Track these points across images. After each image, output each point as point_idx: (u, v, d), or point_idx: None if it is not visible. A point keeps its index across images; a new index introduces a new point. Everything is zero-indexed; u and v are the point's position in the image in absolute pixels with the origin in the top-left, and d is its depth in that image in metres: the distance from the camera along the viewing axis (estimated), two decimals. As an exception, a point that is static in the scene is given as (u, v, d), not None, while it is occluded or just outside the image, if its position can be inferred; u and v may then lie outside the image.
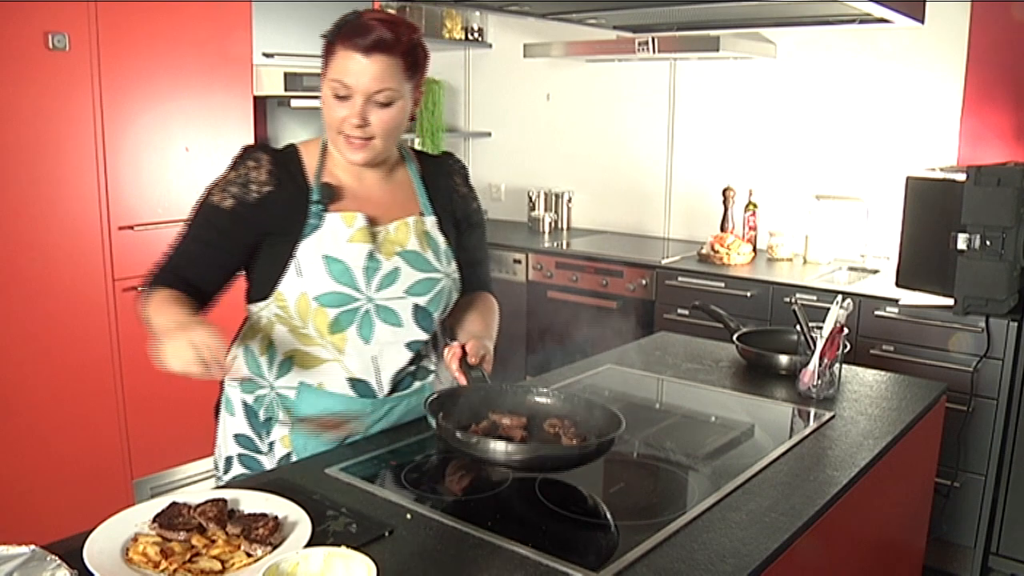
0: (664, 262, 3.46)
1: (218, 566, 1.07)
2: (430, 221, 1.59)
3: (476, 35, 4.56)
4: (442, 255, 1.58)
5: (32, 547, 1.05)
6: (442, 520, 1.25)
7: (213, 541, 1.13)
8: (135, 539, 1.12)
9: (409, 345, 1.55)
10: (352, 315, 1.49)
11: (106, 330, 2.86)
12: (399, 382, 1.58)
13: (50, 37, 2.63)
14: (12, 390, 2.66)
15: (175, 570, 1.06)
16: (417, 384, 1.62)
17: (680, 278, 3.36)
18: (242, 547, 1.11)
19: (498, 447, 1.29)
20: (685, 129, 3.99)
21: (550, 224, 4.27)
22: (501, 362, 1.56)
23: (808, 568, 1.36)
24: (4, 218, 2.61)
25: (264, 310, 1.51)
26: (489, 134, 4.71)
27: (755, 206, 3.64)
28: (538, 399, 1.51)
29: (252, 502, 1.23)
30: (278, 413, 1.55)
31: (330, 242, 1.47)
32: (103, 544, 1.11)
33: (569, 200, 4.35)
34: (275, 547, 1.11)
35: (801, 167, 3.64)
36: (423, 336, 1.57)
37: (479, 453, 1.31)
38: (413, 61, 1.45)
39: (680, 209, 4.06)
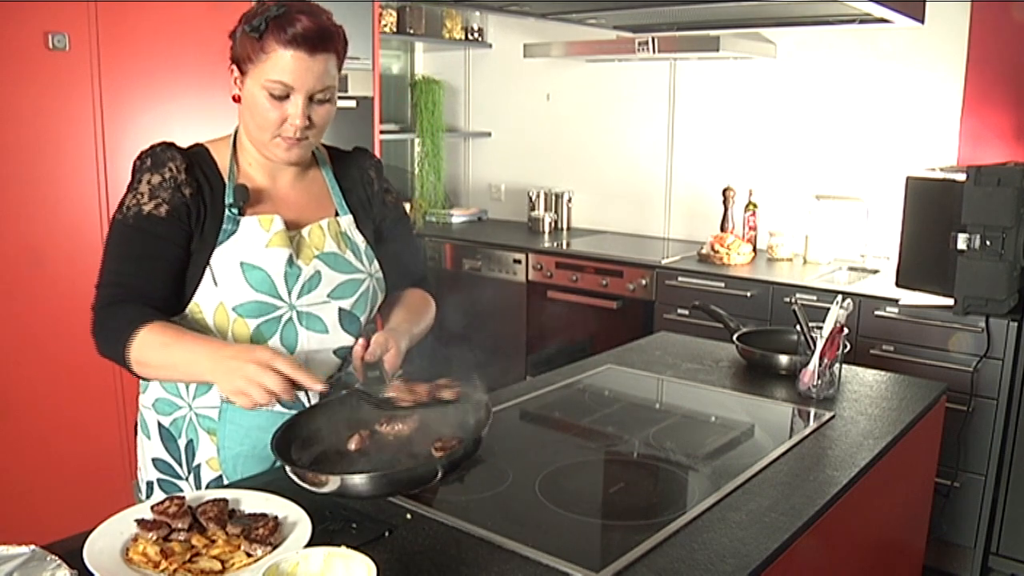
0: (664, 262, 3.46)
1: (218, 566, 1.07)
2: (346, 221, 1.51)
3: (476, 35, 4.56)
4: (362, 255, 1.51)
5: (32, 547, 1.05)
6: (442, 520, 1.25)
7: (213, 541, 1.12)
8: (135, 539, 1.12)
9: (336, 352, 1.47)
10: (274, 325, 1.40)
11: (106, 330, 2.86)
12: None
13: (50, 37, 2.63)
14: (12, 390, 2.66)
15: (175, 570, 1.06)
16: (344, 392, 1.47)
17: (680, 278, 3.36)
18: (242, 547, 1.11)
19: (340, 482, 1.18)
20: (685, 129, 3.99)
21: (550, 224, 4.27)
22: (502, 362, 1.54)
23: (808, 568, 1.36)
24: (4, 218, 2.60)
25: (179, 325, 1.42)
26: (489, 134, 4.71)
27: (755, 206, 3.64)
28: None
29: (252, 502, 1.23)
30: (199, 435, 1.45)
31: (247, 248, 1.38)
32: (103, 544, 1.11)
33: (569, 200, 4.35)
34: (275, 547, 1.11)
35: (801, 167, 3.64)
36: (350, 341, 1.47)
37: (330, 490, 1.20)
38: (345, 51, 1.39)
39: (680, 209, 4.07)
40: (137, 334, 1.29)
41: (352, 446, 1.33)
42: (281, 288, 1.40)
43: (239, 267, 1.37)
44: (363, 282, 1.50)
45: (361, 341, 1.41)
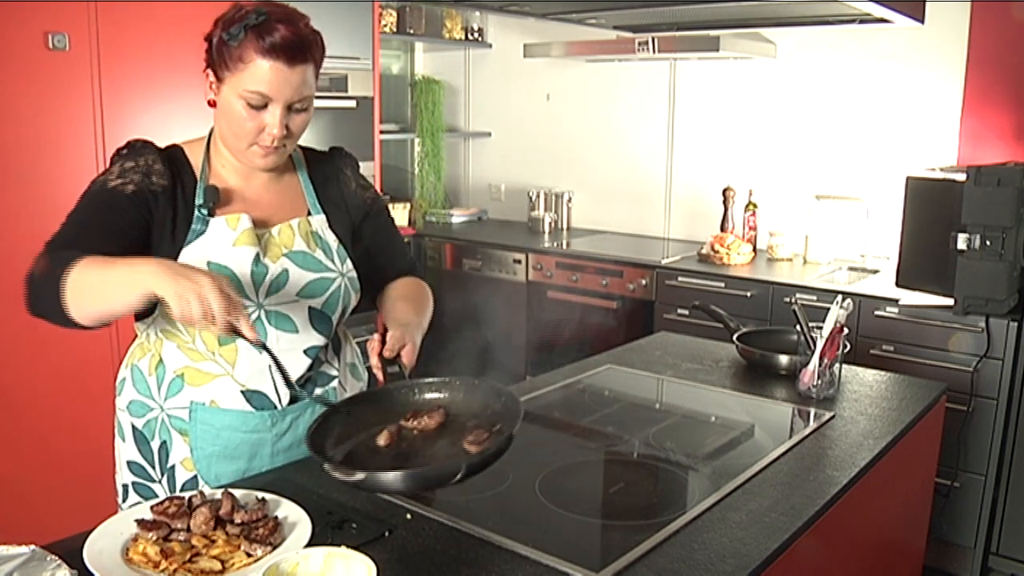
0: (664, 262, 3.46)
1: (218, 566, 1.07)
2: (318, 220, 1.50)
3: (476, 35, 4.56)
4: (334, 254, 1.49)
5: (32, 547, 1.05)
6: (442, 520, 1.25)
7: (213, 541, 1.12)
8: (135, 539, 1.12)
9: (307, 351, 1.47)
10: None
11: (106, 330, 2.86)
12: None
13: (50, 37, 2.63)
14: (12, 390, 2.66)
15: (175, 570, 1.06)
16: (319, 391, 1.52)
17: (680, 278, 3.36)
18: (242, 547, 1.11)
19: (383, 477, 1.13)
20: (685, 129, 3.99)
21: (550, 224, 4.27)
22: (502, 363, 1.53)
23: (808, 568, 1.36)
24: (4, 218, 2.61)
25: (151, 326, 1.45)
26: (489, 134, 4.71)
27: (755, 206, 3.64)
28: (437, 394, 1.36)
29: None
30: (172, 436, 1.45)
31: (215, 247, 1.38)
32: (103, 544, 1.11)
33: (569, 200, 4.35)
34: (275, 547, 1.11)
35: (801, 167, 3.64)
36: (321, 341, 1.48)
37: (369, 486, 1.18)
38: (322, 57, 1.39)
39: (680, 209, 4.07)
40: (78, 261, 1.20)
41: (382, 442, 1.28)
42: (248, 287, 1.40)
43: (206, 267, 1.36)
44: (334, 281, 1.48)
45: (375, 337, 1.40)
